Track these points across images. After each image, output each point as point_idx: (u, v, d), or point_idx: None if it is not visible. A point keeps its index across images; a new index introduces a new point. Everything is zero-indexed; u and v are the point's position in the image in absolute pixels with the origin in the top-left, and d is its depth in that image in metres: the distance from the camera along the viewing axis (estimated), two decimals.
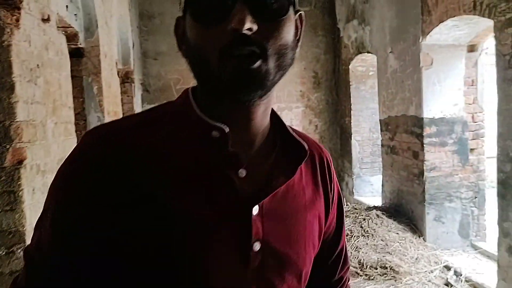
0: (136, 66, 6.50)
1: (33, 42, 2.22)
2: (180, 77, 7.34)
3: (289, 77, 7.53)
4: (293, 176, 0.74)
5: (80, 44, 3.73)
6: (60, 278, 0.66)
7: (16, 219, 1.98)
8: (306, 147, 0.76)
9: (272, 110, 0.78)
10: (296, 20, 0.71)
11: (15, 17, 2.00)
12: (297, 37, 0.72)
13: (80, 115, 3.83)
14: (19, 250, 1.99)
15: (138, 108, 6.59)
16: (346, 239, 0.93)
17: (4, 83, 1.93)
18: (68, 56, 2.87)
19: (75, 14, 3.65)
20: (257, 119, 0.71)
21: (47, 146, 2.35)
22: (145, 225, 0.64)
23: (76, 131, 3.75)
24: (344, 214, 0.90)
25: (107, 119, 3.97)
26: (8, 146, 1.95)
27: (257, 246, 0.70)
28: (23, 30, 2.08)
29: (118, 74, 5.27)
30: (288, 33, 0.67)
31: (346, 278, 0.93)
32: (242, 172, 0.70)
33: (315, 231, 0.79)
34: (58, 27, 2.88)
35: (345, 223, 4.97)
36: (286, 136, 0.78)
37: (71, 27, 3.42)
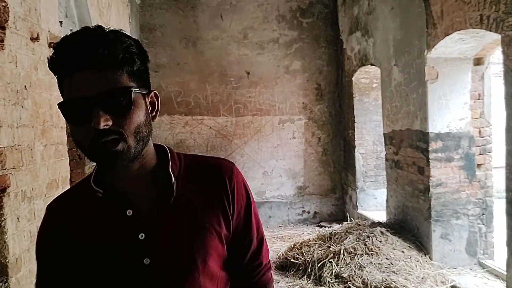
0: None
1: (20, 62, 2.13)
2: (181, 89, 7.25)
3: (292, 89, 7.49)
4: (167, 206, 1.02)
5: None
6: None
7: None
8: (173, 180, 1.02)
9: (162, 151, 1.07)
10: (151, 97, 1.01)
11: None
12: (156, 109, 1.02)
13: None
14: (1, 284, 1.88)
15: None
16: (261, 234, 1.16)
17: None
18: None
19: (71, 30, 3.57)
20: (133, 173, 1.01)
21: (35, 170, 2.25)
22: (73, 261, 1.01)
23: (71, 149, 3.66)
24: (253, 214, 1.13)
25: None
26: None
27: (147, 261, 0.99)
28: (9, 51, 1.99)
29: None
30: (139, 116, 0.94)
31: (266, 262, 1.18)
32: (129, 212, 1.00)
33: (211, 238, 1.03)
34: (51, 43, 2.79)
35: (348, 239, 4.87)
36: (167, 172, 1.03)
37: None
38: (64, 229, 1.02)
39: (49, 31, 2.61)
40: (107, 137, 0.89)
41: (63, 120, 2.78)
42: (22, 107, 2.11)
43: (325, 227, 6.79)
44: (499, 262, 4.40)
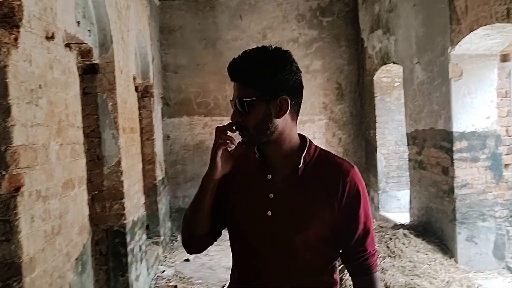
0: (156, 80, 6.43)
1: (35, 61, 2.12)
2: (200, 90, 7.25)
3: (312, 89, 7.40)
4: (293, 180, 1.39)
5: (95, 60, 3.65)
6: None
7: (12, 250, 1.86)
8: (300, 165, 1.39)
9: (303, 138, 1.44)
10: (279, 101, 1.33)
11: (13, 36, 1.90)
12: (283, 110, 1.34)
13: (95, 133, 3.73)
14: (15, 283, 1.87)
15: (158, 122, 6.51)
16: (367, 227, 1.42)
17: None
18: (77, 74, 2.76)
19: (89, 30, 3.58)
20: (273, 150, 1.41)
21: (50, 170, 2.24)
22: (227, 202, 1.46)
23: (90, 149, 3.65)
24: (362, 211, 1.40)
25: (122, 136, 3.86)
26: (4, 173, 1.83)
27: (270, 213, 1.38)
28: (23, 49, 1.98)
29: (137, 88, 5.19)
30: (256, 116, 1.33)
31: (371, 250, 1.43)
32: (269, 176, 1.40)
33: (317, 212, 1.37)
34: (70, 43, 2.79)
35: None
36: (300, 158, 1.41)
37: (84, 43, 3.34)
38: (233, 168, 1.41)
39: (65, 31, 2.61)
40: (239, 128, 1.36)
41: (79, 119, 2.78)
42: (36, 106, 2.10)
43: None
44: None
